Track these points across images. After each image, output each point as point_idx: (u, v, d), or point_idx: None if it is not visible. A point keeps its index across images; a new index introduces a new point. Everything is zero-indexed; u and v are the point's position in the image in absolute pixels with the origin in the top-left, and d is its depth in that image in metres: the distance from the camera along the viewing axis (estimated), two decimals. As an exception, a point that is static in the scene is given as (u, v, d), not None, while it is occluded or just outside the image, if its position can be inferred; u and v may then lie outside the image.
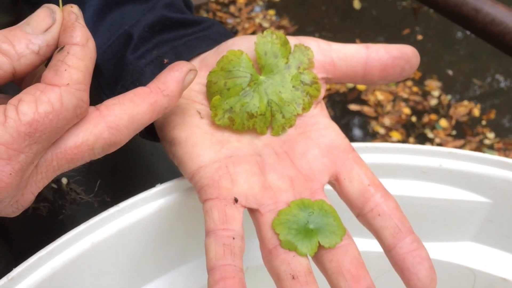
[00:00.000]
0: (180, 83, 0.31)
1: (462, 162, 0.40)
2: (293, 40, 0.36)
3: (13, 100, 0.26)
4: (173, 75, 0.31)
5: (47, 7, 0.29)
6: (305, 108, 0.36)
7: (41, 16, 0.28)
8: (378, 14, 2.14)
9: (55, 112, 0.26)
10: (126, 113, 0.29)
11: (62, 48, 0.28)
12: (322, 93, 0.37)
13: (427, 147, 0.40)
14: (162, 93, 0.31)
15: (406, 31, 2.05)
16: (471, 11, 0.50)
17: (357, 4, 2.16)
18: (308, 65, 0.36)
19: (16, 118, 0.26)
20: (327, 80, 0.37)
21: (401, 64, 0.35)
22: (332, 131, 0.35)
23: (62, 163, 0.29)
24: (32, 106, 0.26)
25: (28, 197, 0.29)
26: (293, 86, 0.36)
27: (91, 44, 0.29)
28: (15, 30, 0.28)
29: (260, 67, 0.35)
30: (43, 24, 0.28)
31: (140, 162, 0.57)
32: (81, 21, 0.29)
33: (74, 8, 0.29)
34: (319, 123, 0.36)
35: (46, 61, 0.29)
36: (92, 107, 0.30)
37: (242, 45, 0.36)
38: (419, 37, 2.03)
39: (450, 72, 1.91)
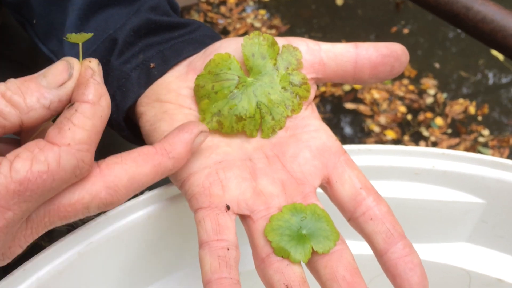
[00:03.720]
0: (189, 145, 0.30)
1: (455, 162, 0.40)
2: (281, 41, 0.36)
3: (10, 155, 0.25)
4: (181, 137, 0.30)
5: (66, 60, 0.28)
6: (295, 110, 0.35)
7: (58, 69, 0.28)
8: (365, 11, 2.14)
9: (50, 172, 0.25)
10: (127, 173, 0.28)
11: (72, 104, 0.27)
12: (312, 94, 0.36)
13: (420, 148, 0.40)
14: (168, 155, 0.30)
15: (395, 29, 2.05)
16: (462, 9, 0.50)
17: (339, 1, 2.16)
18: (297, 65, 0.35)
19: (7, 175, 0.25)
20: (317, 80, 0.36)
21: (390, 61, 0.35)
22: (323, 133, 0.35)
23: (54, 220, 0.28)
24: (26, 164, 0.25)
25: (15, 250, 0.28)
26: (282, 87, 0.35)
27: (104, 102, 0.28)
28: (29, 82, 0.27)
29: (248, 69, 0.35)
30: (59, 79, 0.27)
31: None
32: (97, 77, 0.28)
33: (93, 63, 0.28)
34: (310, 125, 0.35)
35: (55, 116, 0.28)
36: (93, 163, 0.28)
37: (230, 47, 0.35)
38: (405, 30, 2.03)
39: (445, 69, 1.91)
